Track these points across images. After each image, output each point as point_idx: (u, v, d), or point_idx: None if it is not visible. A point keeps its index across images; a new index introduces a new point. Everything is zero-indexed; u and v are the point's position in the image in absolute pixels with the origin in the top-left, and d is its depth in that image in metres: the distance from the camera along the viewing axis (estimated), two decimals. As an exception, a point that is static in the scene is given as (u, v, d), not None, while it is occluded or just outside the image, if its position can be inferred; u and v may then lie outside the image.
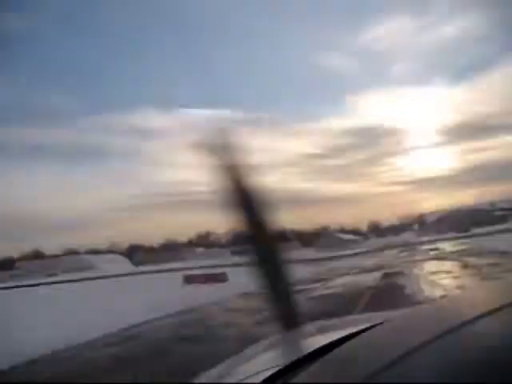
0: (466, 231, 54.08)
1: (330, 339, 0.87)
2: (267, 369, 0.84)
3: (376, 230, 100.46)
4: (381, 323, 0.85)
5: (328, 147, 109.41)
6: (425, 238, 56.21)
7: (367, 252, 39.91)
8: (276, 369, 0.81)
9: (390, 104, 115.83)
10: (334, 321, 1.31)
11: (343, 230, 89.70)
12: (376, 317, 1.06)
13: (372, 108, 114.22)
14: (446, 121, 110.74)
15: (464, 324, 0.60)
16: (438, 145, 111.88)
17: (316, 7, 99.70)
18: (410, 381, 0.53)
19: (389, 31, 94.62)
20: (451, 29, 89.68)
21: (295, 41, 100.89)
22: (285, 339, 1.20)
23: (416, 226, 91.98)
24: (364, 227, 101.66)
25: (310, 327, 1.28)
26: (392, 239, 77.72)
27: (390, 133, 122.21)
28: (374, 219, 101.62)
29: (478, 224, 64.63)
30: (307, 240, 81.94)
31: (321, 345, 0.84)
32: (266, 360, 1.00)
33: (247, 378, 0.87)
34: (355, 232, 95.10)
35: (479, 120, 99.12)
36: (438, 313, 0.76)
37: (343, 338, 0.84)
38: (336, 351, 0.73)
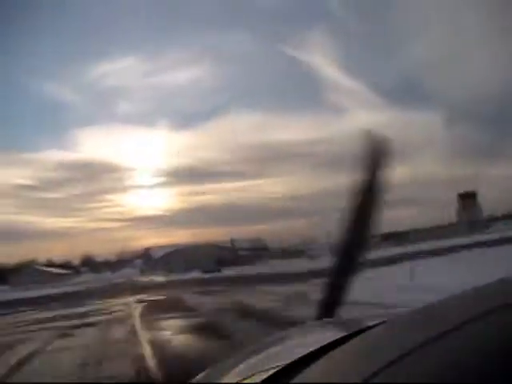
0: (213, 271, 43.01)
1: (330, 339, 0.88)
2: (267, 369, 0.84)
3: (90, 264, 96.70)
4: (381, 323, 0.88)
5: (43, 179, 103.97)
6: (161, 277, 44.07)
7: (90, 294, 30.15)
8: (276, 369, 0.82)
9: (113, 142, 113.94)
10: (334, 320, 1.29)
11: (53, 265, 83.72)
12: (376, 317, 1.06)
13: (94, 144, 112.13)
14: (169, 163, 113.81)
15: (464, 324, 0.60)
16: (159, 185, 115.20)
17: (45, 36, 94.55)
18: (409, 381, 0.54)
19: (119, 69, 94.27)
20: (181, 76, 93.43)
21: (18, 67, 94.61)
22: (285, 339, 1.18)
23: (138, 262, 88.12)
24: (76, 262, 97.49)
25: (309, 327, 1.27)
26: (109, 275, 73.48)
27: (111, 170, 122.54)
28: (87, 254, 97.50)
29: (224, 263, 55.58)
30: (3, 276, 71.55)
31: (321, 345, 0.85)
32: (266, 360, 0.99)
33: (247, 377, 0.87)
34: (66, 266, 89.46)
35: (202, 165, 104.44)
36: (438, 313, 0.78)
37: (343, 337, 0.86)
38: (336, 351, 0.76)
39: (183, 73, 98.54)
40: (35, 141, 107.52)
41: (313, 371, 0.71)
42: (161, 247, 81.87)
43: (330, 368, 0.71)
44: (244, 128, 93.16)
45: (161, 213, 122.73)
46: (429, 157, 77.26)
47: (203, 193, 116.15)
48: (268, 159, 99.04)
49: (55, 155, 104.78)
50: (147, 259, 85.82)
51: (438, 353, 0.56)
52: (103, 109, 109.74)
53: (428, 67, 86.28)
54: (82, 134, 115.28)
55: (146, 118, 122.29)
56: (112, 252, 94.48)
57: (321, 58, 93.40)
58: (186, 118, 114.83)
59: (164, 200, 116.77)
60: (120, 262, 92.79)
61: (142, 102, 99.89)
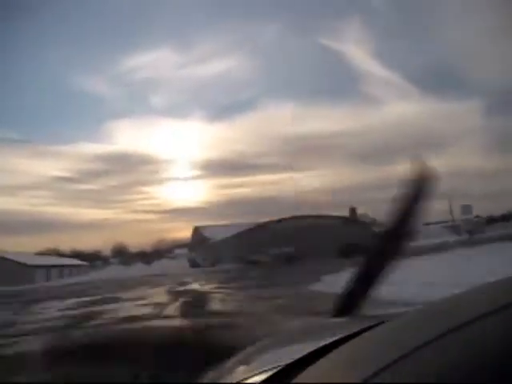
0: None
1: (330, 339, 0.91)
2: (267, 369, 0.87)
3: (122, 255, 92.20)
4: (381, 323, 0.91)
5: (80, 172, 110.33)
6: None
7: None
8: (276, 369, 0.84)
9: (148, 134, 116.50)
10: (334, 321, 1.30)
11: (78, 255, 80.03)
12: (376, 317, 1.09)
13: (129, 136, 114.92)
14: (204, 155, 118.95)
15: (464, 324, 0.61)
16: (195, 178, 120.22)
17: (78, 28, 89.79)
18: (409, 381, 0.55)
19: (152, 61, 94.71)
20: (214, 68, 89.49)
21: (54, 60, 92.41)
22: (285, 339, 1.20)
23: (180, 252, 77.87)
24: (108, 252, 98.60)
25: (310, 327, 1.30)
26: (140, 269, 58.85)
27: (147, 162, 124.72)
28: (120, 244, 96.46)
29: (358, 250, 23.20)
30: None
31: (321, 345, 0.89)
32: (266, 360, 1.01)
33: (247, 378, 0.89)
34: (93, 257, 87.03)
35: (237, 158, 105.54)
36: (438, 313, 0.79)
37: (343, 338, 0.89)
38: (336, 351, 0.79)
39: (217, 64, 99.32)
40: (71, 133, 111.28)
41: (313, 371, 0.73)
42: (223, 226, 51.62)
43: (330, 368, 0.73)
44: (278, 120, 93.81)
45: (197, 205, 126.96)
46: (466, 148, 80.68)
47: (238, 185, 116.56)
48: (303, 151, 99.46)
49: (91, 147, 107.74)
50: (199, 244, 55.75)
51: (438, 353, 0.57)
52: (138, 101, 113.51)
53: (466, 56, 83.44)
54: (117, 126, 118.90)
55: (180, 110, 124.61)
56: (148, 243, 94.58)
57: (356, 49, 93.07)
58: (220, 110, 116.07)
59: (200, 192, 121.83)
60: (157, 253, 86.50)
61: (177, 94, 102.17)
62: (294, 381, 0.73)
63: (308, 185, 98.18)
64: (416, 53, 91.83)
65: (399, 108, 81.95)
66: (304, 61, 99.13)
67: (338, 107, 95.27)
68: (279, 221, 45.19)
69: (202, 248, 55.45)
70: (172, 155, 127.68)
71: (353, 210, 47.88)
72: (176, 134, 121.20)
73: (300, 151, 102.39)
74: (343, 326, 1.11)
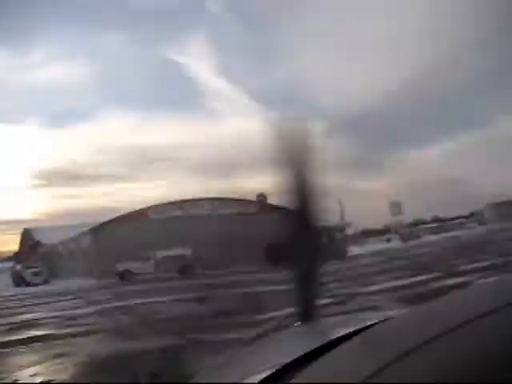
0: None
1: (329, 338, 0.92)
2: (267, 369, 0.87)
3: None
4: (381, 322, 0.92)
5: None
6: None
7: None
8: (275, 369, 0.85)
9: None
10: (334, 320, 1.33)
11: None
12: (376, 316, 1.10)
13: None
14: (38, 164, 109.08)
15: (464, 324, 0.62)
16: (28, 187, 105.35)
17: None
18: (410, 380, 0.55)
19: None
20: (52, 74, 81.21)
21: None
22: (284, 339, 1.21)
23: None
24: None
25: (309, 327, 1.29)
26: None
27: None
28: None
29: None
30: None
31: (321, 344, 0.89)
32: (266, 360, 1.02)
33: (247, 377, 0.90)
34: None
35: (73, 168, 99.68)
36: (438, 313, 0.80)
37: (343, 337, 0.90)
38: (336, 351, 0.80)
39: (55, 70, 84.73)
40: None
41: (313, 371, 0.73)
42: (64, 227, 36.23)
43: (329, 368, 0.73)
44: (118, 130, 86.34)
45: (29, 217, 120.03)
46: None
47: (75, 196, 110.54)
48: (142, 163, 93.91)
49: None
50: (30, 252, 39.42)
51: (438, 353, 0.58)
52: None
53: (313, 78, 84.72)
54: None
55: (14, 116, 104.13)
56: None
57: (200, 63, 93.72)
58: (57, 118, 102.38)
59: (33, 203, 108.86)
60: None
61: (11, 99, 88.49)
62: (294, 381, 0.73)
63: (145, 195, 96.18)
64: (262, 70, 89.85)
65: (241, 123, 78.92)
66: (145, 72, 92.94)
67: (180, 120, 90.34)
68: (159, 208, 31.86)
69: (33, 257, 38.87)
70: (4, 163, 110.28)
71: (262, 197, 34.08)
72: (9, 140, 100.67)
73: (139, 163, 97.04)
74: (343, 326, 1.12)
